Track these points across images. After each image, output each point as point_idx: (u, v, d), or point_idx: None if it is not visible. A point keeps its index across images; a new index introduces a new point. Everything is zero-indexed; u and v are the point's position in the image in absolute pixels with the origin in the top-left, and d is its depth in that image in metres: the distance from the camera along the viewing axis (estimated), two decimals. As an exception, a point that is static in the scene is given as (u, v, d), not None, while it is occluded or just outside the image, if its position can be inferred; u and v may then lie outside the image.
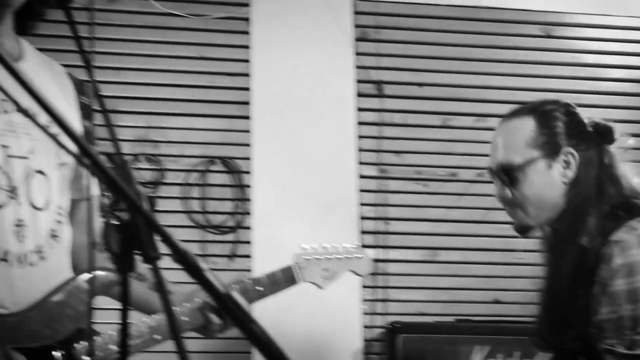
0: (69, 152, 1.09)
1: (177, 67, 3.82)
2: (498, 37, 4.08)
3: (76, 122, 1.89)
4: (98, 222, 1.83)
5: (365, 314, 3.80)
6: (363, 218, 3.86)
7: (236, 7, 3.87)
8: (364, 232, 3.84)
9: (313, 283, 2.42)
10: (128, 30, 3.80)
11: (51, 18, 1.83)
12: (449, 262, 3.91)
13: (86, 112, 1.92)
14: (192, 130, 3.81)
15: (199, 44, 3.85)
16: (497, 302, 3.90)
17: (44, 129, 1.03)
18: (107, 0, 3.74)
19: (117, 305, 1.16)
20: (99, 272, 1.79)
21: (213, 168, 3.81)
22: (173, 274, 1.32)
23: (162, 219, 3.42)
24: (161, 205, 3.71)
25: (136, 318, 1.99)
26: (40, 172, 1.77)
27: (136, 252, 1.10)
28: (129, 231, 1.09)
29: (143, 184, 3.68)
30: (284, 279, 2.33)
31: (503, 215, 2.32)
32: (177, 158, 3.79)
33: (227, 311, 1.03)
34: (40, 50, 1.95)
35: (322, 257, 2.44)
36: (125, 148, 3.64)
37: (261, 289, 2.27)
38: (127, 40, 3.79)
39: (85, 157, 1.01)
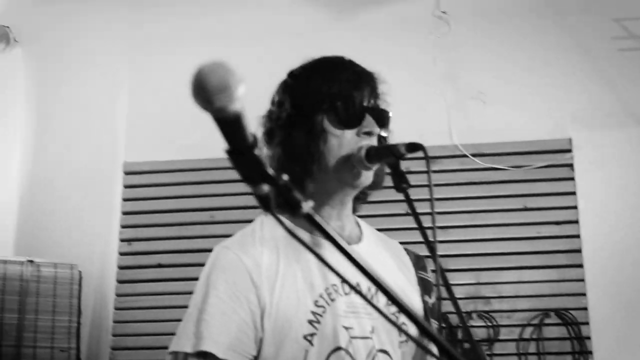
0: (407, 335, 1.02)
1: (502, 221, 3.78)
2: None
3: (416, 299, 1.85)
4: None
5: None
6: None
7: (558, 154, 3.78)
8: None
9: None
10: (451, 189, 3.82)
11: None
12: None
13: (426, 288, 1.87)
14: (524, 283, 3.72)
15: (523, 195, 3.79)
16: None
17: (380, 311, 1.00)
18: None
19: None
20: None
21: (548, 321, 3.68)
22: None
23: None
24: (497, 362, 3.64)
25: None
26: (384, 351, 1.73)
27: None
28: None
29: (478, 342, 3.63)
30: None
31: None
32: (510, 313, 3.71)
33: None
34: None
35: None
36: (457, 306, 3.62)
37: None
38: (452, 199, 3.81)
39: (426, 337, 0.98)
